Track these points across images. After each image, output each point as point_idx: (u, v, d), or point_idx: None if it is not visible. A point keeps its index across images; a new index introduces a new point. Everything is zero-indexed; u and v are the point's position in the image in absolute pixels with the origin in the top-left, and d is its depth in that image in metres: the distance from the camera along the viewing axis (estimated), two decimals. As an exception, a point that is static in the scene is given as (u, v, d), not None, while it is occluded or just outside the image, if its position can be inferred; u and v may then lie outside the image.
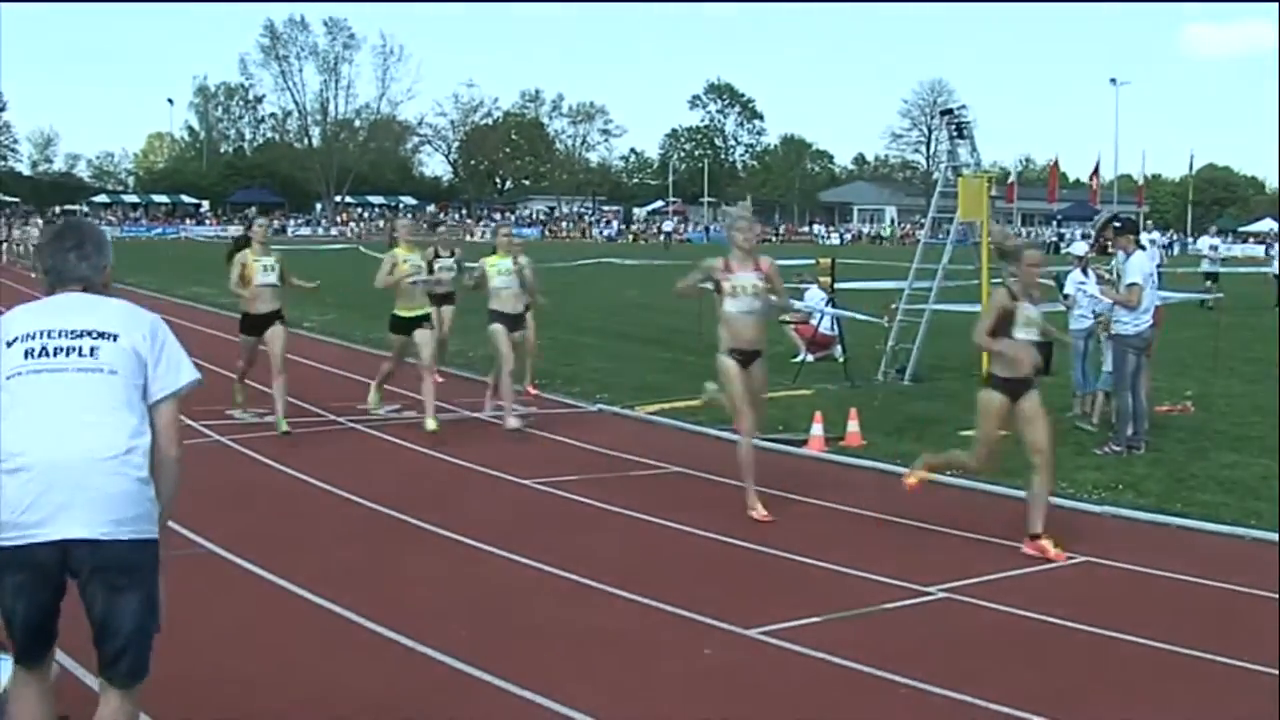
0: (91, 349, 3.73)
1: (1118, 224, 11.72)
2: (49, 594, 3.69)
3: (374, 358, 17.32)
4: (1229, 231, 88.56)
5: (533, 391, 13.86)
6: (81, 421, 3.64)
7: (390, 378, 12.21)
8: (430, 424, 11.07)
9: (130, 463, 3.67)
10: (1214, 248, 30.28)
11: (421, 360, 11.51)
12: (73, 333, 3.75)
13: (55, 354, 3.72)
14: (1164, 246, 30.06)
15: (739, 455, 8.55)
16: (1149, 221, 38.21)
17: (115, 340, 3.76)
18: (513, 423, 11.35)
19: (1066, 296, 12.33)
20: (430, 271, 12.95)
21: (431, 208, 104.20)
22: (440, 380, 13.25)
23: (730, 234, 8.67)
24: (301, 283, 11.97)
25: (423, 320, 11.64)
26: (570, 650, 5.75)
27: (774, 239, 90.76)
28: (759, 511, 8.30)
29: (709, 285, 8.54)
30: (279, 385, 11.14)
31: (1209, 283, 26.90)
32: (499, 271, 11.75)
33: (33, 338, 3.75)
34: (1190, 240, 75.98)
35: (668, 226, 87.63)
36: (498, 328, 11.65)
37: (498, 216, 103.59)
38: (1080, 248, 13.48)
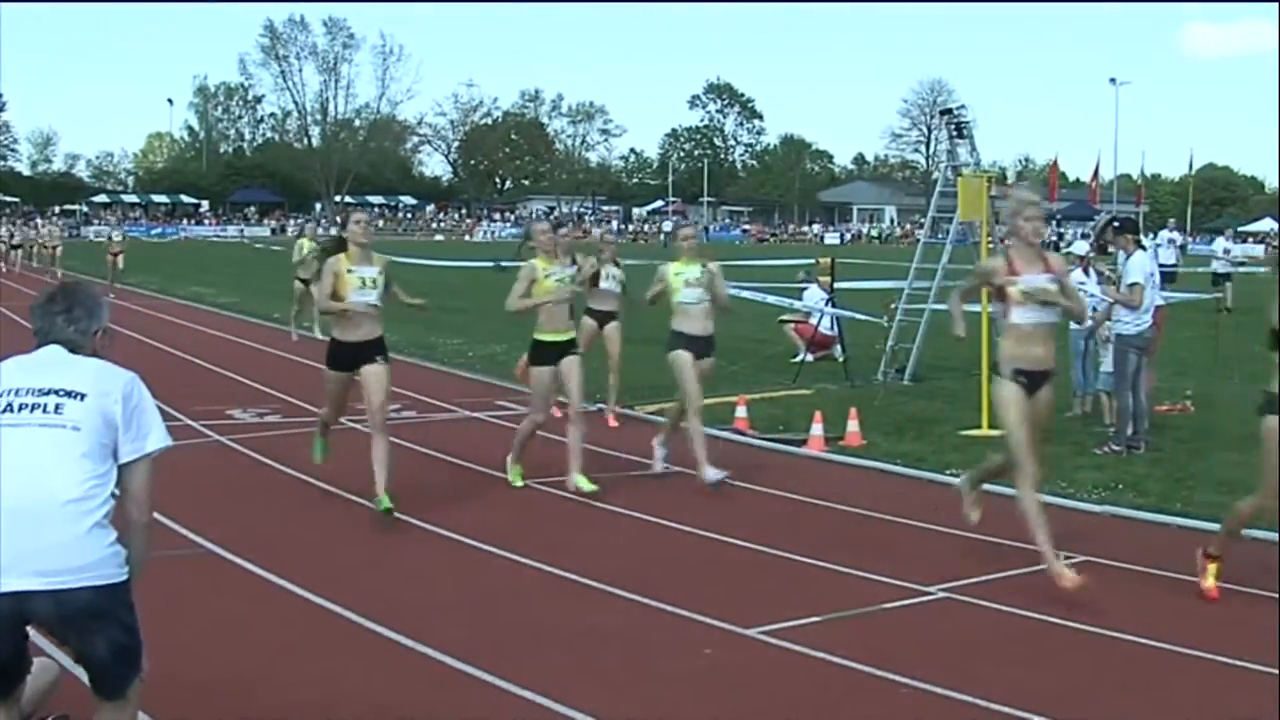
0: (56, 406, 3.79)
1: (1116, 224, 11.73)
2: (12, 641, 3.74)
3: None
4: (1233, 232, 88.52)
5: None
6: (38, 472, 3.69)
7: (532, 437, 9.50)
8: (579, 480, 8.94)
9: (85, 508, 3.70)
10: (1227, 250, 30.07)
11: (571, 399, 9.18)
12: (40, 390, 3.82)
13: (20, 410, 3.79)
14: (1179, 246, 29.65)
15: (1026, 512, 6.72)
16: (1171, 220, 38.06)
17: (82, 399, 3.81)
18: (711, 475, 9.03)
19: None
20: (595, 282, 11.34)
21: (431, 207, 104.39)
22: (616, 425, 11.97)
23: (1014, 223, 6.81)
24: (412, 300, 8.88)
25: (570, 347, 9.23)
26: (570, 650, 5.74)
27: (770, 238, 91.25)
28: (1069, 578, 6.43)
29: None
30: (379, 450, 8.15)
31: (1225, 283, 26.85)
32: (686, 282, 9.30)
33: (1, 395, 3.82)
34: (1192, 240, 75.99)
35: (667, 225, 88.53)
36: (683, 355, 9.29)
37: (496, 216, 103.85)
38: (1081, 247, 13.49)
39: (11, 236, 43.30)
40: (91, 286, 4.30)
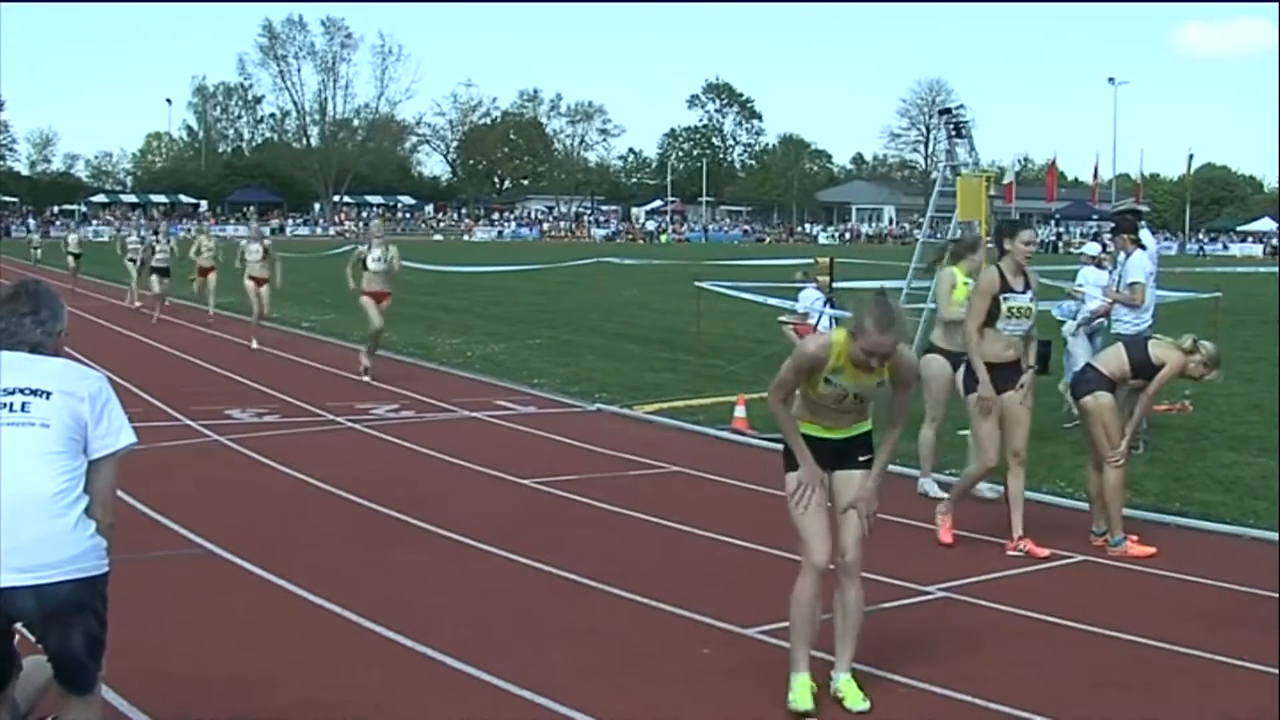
0: (23, 405, 3.80)
1: (1113, 225, 11.72)
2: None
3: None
4: (1228, 230, 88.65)
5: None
6: (12, 470, 3.70)
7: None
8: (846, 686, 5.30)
9: (63, 502, 3.73)
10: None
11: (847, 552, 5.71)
12: (6, 390, 3.83)
13: None
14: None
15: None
16: None
17: (48, 398, 3.83)
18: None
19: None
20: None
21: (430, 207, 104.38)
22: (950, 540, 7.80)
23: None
24: None
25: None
26: (570, 650, 5.74)
27: (765, 239, 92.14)
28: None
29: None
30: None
31: None
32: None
33: None
34: (1191, 241, 75.98)
35: (651, 225, 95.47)
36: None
37: (495, 216, 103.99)
38: (1094, 248, 13.42)
39: (150, 250, 24.07)
40: (50, 285, 4.29)
